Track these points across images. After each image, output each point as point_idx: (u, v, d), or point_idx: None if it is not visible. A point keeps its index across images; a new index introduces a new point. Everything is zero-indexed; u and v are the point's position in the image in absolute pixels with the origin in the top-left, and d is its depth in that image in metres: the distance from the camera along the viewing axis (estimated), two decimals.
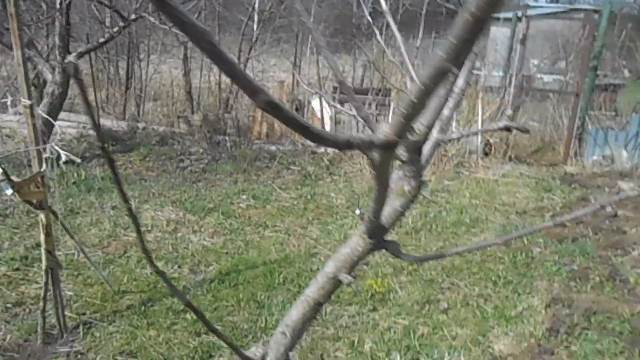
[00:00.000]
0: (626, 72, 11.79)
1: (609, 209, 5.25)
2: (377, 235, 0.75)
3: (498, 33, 12.43)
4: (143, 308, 3.76)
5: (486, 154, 7.64)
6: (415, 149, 0.70)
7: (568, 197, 6.00)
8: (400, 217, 0.75)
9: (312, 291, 0.81)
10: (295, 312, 0.81)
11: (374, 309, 3.92)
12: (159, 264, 4.40)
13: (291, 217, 5.63)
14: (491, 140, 7.67)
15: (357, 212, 3.91)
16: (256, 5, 10.16)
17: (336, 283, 0.79)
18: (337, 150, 7.88)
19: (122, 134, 8.29)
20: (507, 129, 1.00)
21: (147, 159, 7.38)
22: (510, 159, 7.66)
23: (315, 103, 8.99)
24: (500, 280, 4.23)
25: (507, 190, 6.47)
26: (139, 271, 4.26)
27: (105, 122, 8.68)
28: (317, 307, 0.80)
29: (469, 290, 4.13)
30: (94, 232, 4.96)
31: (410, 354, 3.33)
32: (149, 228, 5.11)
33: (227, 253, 4.72)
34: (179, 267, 4.42)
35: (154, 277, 4.15)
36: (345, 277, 0.76)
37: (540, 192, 6.37)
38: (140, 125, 8.74)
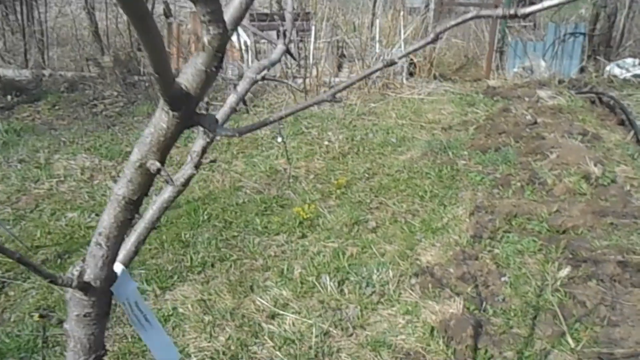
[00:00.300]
0: None
1: (528, 117, 5.34)
2: (182, 106, 0.59)
3: None
4: (59, 261, 3.53)
5: (411, 74, 7.58)
6: None
7: (491, 110, 6.07)
8: (209, 80, 0.60)
9: (120, 187, 0.66)
10: (107, 217, 0.66)
11: (303, 236, 3.86)
12: (75, 214, 4.14)
13: (214, 152, 5.42)
14: (415, 60, 7.60)
15: (279, 139, 3.74)
16: None
17: (145, 172, 0.65)
18: (261, 82, 7.59)
19: (26, 84, 7.64)
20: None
21: (57, 107, 6.84)
22: (435, 78, 7.64)
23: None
24: (427, 194, 4.25)
25: (433, 108, 6.48)
26: (53, 224, 3.99)
27: (6, 72, 7.96)
28: (129, 206, 0.66)
29: (397, 208, 4.13)
30: (1, 188, 4.59)
31: (340, 274, 3.30)
32: (62, 178, 4.77)
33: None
34: (97, 215, 4.17)
35: (70, 228, 3.92)
36: (152, 164, 0.61)
37: (464, 107, 6.42)
38: (46, 72, 8.08)
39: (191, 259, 3.52)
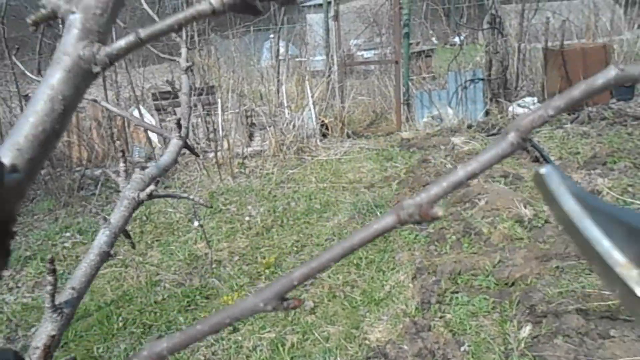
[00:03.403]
0: (434, 40, 12.52)
1: (448, 165, 5.29)
2: None
3: (314, 18, 12.49)
4: None
5: (324, 135, 7.47)
6: None
7: (409, 162, 6.00)
8: None
9: None
10: None
11: (235, 330, 3.42)
12: None
13: (126, 245, 4.88)
14: (326, 121, 7.51)
15: (195, 224, 3.29)
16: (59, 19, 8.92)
17: None
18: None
19: None
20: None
21: None
22: (348, 136, 7.57)
23: (135, 113, 8.14)
24: (362, 261, 3.97)
25: (352, 167, 6.33)
26: None
27: None
28: None
29: (333, 281, 3.80)
30: None
31: None
32: None
33: None
34: None
35: None
36: None
37: (383, 162, 6.32)
38: None
39: None
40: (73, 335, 3.49)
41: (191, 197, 0.99)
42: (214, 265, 4.28)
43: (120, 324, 3.57)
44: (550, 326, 2.63)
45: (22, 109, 8.41)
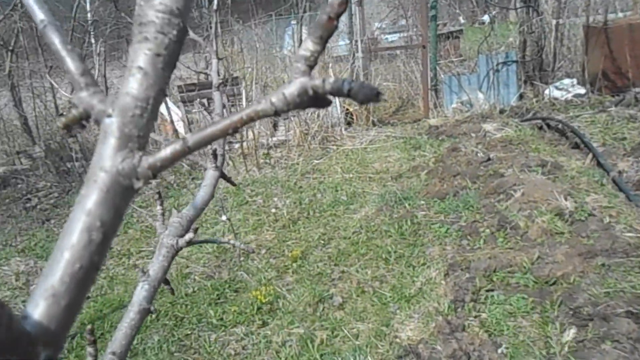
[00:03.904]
0: (461, 19, 12.17)
1: (480, 153, 5.08)
2: None
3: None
4: None
5: (349, 124, 7.30)
6: None
7: (438, 151, 5.79)
8: None
9: None
10: None
11: (264, 324, 3.36)
12: None
13: (156, 237, 4.86)
14: (351, 109, 7.34)
15: (223, 217, 3.18)
16: (88, 16, 9.01)
17: None
18: (195, 153, 7.11)
19: None
20: (317, 100, 0.45)
21: None
22: (374, 124, 7.39)
23: (161, 107, 8.09)
24: (392, 256, 3.82)
25: (378, 157, 6.16)
26: None
27: None
28: None
29: (361, 276, 3.68)
30: None
31: None
32: None
33: (87, 297, 3.89)
34: None
35: None
36: None
37: (410, 151, 6.13)
38: None
39: None
40: (109, 326, 3.48)
41: (231, 242, 0.89)
42: (242, 259, 4.20)
43: (153, 316, 3.55)
44: (597, 330, 2.45)
45: (55, 104, 8.48)
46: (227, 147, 6.52)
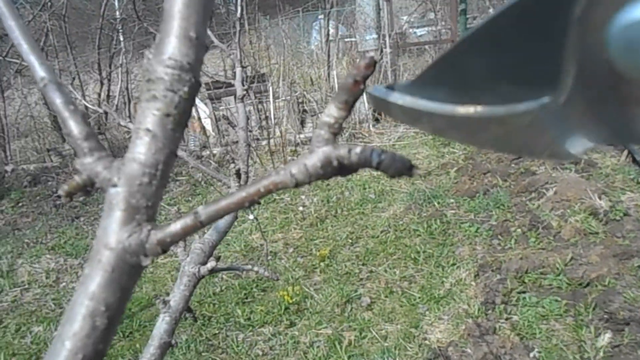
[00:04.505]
0: (491, 12, 11.95)
1: None
2: None
3: None
4: None
5: (377, 120, 7.25)
6: None
7: (468, 147, 5.71)
8: None
9: None
10: None
11: (291, 324, 3.36)
12: (40, 328, 3.66)
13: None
14: None
15: (251, 217, 3.19)
16: (117, 14, 9.16)
17: None
18: (222, 148, 7.19)
19: None
20: (341, 169, 0.43)
21: (20, 204, 6.37)
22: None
23: None
24: (420, 256, 3.79)
25: (407, 154, 6.10)
26: (18, 342, 3.48)
27: None
28: None
29: (390, 276, 3.66)
30: None
31: None
32: (26, 286, 4.33)
33: None
34: None
35: (36, 346, 3.40)
36: None
37: (439, 148, 6.06)
38: (8, 168, 7.57)
39: None
40: (137, 325, 3.53)
41: (255, 268, 0.88)
42: (269, 257, 4.22)
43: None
44: (634, 335, 2.38)
45: (85, 101, 8.65)
46: (254, 145, 6.54)
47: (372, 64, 0.27)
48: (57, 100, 0.36)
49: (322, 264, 3.99)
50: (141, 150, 0.31)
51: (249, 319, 3.46)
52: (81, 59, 9.39)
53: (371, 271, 3.78)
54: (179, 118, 0.32)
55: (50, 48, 8.76)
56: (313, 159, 0.29)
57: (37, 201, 6.45)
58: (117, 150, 7.52)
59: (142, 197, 0.31)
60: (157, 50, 0.31)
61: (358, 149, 0.28)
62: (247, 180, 0.78)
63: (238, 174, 0.74)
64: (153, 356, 0.55)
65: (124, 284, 0.31)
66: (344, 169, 0.29)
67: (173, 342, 0.56)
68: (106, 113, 7.07)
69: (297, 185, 0.30)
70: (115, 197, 0.32)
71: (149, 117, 0.31)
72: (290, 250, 4.34)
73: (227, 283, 3.96)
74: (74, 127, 0.35)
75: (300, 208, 5.05)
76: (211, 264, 0.63)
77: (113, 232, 0.31)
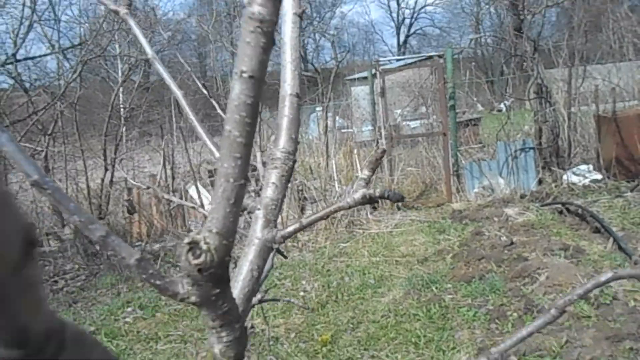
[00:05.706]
0: (479, 107, 12.64)
1: (503, 237, 5.21)
2: None
3: (359, 91, 12.87)
4: None
5: (374, 208, 7.52)
6: (215, 280, 0.46)
7: (462, 234, 5.94)
8: None
9: None
10: None
11: None
12: None
13: (185, 320, 4.97)
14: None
15: (254, 300, 3.36)
16: (121, 101, 9.64)
17: None
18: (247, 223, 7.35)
19: None
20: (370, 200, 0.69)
21: None
22: (398, 208, 7.59)
23: (192, 191, 8.47)
24: (421, 340, 3.89)
25: (404, 240, 6.31)
26: None
27: None
28: None
29: None
30: None
31: None
32: None
33: None
34: None
35: None
36: None
37: (435, 235, 6.28)
38: None
39: None
40: None
41: (292, 300, 1.08)
42: (271, 343, 4.28)
43: None
44: None
45: (88, 186, 8.91)
46: None
47: (384, 151, 0.57)
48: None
49: (324, 349, 4.05)
50: (269, 193, 0.65)
51: None
52: (87, 144, 9.72)
53: (373, 356, 3.86)
54: (287, 177, 0.66)
55: (58, 133, 9.07)
56: (357, 195, 0.60)
57: None
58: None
59: (272, 215, 0.65)
60: (275, 143, 0.68)
61: (378, 190, 0.59)
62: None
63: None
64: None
65: (264, 256, 0.63)
66: (372, 200, 0.60)
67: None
68: (130, 201, 7.28)
69: (350, 207, 0.61)
70: (259, 215, 0.64)
71: (273, 176, 0.66)
72: (292, 335, 4.41)
73: None
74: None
75: (302, 293, 5.17)
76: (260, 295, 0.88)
77: (258, 230, 0.63)
